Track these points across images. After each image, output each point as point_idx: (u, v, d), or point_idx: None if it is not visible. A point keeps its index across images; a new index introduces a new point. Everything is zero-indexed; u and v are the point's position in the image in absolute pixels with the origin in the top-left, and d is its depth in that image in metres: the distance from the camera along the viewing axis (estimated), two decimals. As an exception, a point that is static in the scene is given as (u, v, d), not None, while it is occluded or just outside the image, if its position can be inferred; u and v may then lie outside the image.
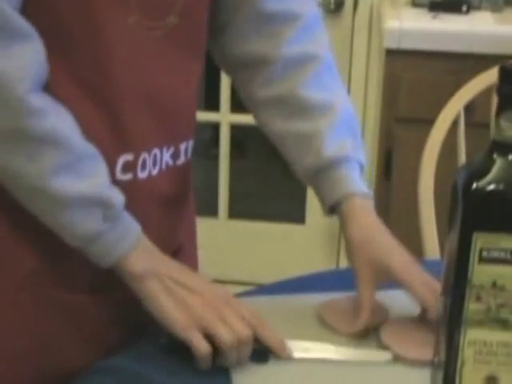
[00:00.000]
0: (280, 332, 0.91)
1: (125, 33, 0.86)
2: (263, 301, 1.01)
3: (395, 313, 0.97)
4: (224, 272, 2.48)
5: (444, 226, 1.49)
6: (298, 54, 1.02)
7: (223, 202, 2.79)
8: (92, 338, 0.95)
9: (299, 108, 1.02)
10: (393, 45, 2.10)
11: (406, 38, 2.09)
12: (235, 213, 2.83)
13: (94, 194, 0.84)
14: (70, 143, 0.84)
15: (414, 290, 0.93)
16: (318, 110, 1.01)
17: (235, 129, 2.65)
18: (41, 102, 0.82)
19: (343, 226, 0.99)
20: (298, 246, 2.73)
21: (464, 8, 2.27)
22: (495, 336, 0.77)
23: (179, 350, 0.88)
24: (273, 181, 2.83)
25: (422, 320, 0.95)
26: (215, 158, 2.75)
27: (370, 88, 2.53)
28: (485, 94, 1.59)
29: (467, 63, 1.97)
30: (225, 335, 0.85)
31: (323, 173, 1.01)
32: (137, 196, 0.91)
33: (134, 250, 0.87)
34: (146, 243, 0.90)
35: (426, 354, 0.85)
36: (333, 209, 1.01)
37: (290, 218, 2.78)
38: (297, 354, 0.90)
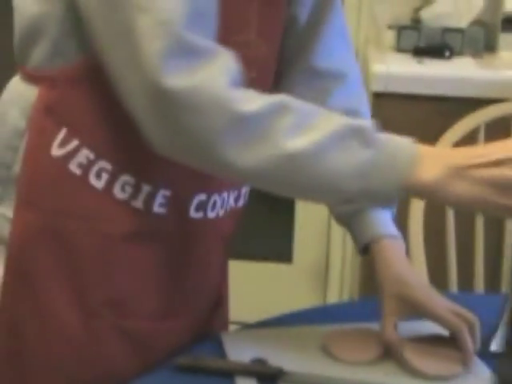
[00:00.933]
0: (285, 363, 0.94)
1: None
2: (266, 333, 1.05)
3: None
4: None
5: (431, 260, 1.56)
6: (342, 107, 1.07)
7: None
8: (148, 359, 0.98)
9: None
10: (380, 88, 2.17)
11: (393, 82, 2.17)
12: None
13: (338, 128, 0.84)
14: (294, 105, 0.86)
15: (440, 316, 0.98)
16: None
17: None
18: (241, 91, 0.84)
19: (374, 265, 1.04)
20: (284, 285, 2.76)
21: (447, 53, 2.36)
22: None
23: (194, 369, 0.92)
24: (259, 219, 2.87)
25: (449, 341, 0.98)
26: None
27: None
28: (468, 136, 1.66)
29: (451, 106, 2.04)
30: None
31: (355, 214, 1.06)
32: (204, 233, 0.98)
33: (417, 162, 0.83)
34: (424, 148, 0.86)
35: (447, 369, 0.90)
36: (366, 249, 1.06)
37: (276, 257, 2.82)
38: None
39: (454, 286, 1.61)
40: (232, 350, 0.99)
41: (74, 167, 0.92)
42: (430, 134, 1.68)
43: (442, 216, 1.64)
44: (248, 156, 0.84)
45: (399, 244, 1.06)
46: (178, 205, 0.96)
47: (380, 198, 0.86)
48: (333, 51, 1.10)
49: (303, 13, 1.08)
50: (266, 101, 0.85)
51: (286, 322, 1.09)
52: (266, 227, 2.92)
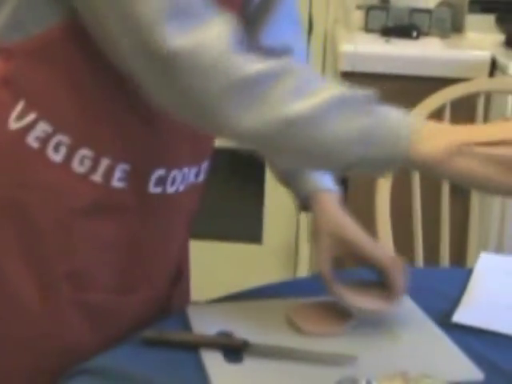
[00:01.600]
0: (251, 336, 0.96)
1: None
2: (231, 306, 1.06)
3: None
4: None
5: (398, 237, 1.57)
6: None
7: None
8: (108, 333, 0.99)
9: None
10: (348, 68, 2.18)
11: (360, 61, 2.18)
12: (192, 233, 2.86)
13: (340, 94, 0.84)
14: (296, 70, 0.85)
15: (371, 254, 1.03)
16: None
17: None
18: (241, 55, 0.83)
19: (312, 217, 1.08)
20: (255, 265, 2.78)
21: (414, 33, 2.38)
22: None
23: (159, 343, 0.94)
24: (229, 200, 2.88)
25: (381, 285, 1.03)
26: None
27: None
28: (434, 115, 1.68)
29: (418, 85, 2.06)
30: None
31: (295, 174, 1.09)
32: (164, 208, 0.98)
33: (418, 136, 0.83)
34: (429, 124, 0.86)
35: (375, 304, 0.99)
36: (304, 206, 1.10)
37: (246, 237, 2.84)
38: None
39: (420, 261, 1.63)
40: (197, 323, 0.99)
41: (31, 140, 0.91)
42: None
43: (408, 191, 1.65)
44: (248, 118, 0.83)
45: (335, 195, 1.09)
46: (137, 179, 0.95)
47: (378, 167, 0.85)
48: (279, 30, 1.11)
49: None
50: (267, 64, 0.84)
51: (252, 295, 1.10)
52: (237, 209, 2.94)
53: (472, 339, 1.01)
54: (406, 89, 2.11)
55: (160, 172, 0.97)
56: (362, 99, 0.84)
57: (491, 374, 0.92)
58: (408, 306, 1.08)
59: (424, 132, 0.84)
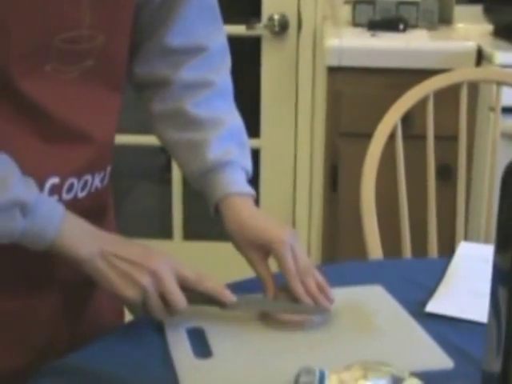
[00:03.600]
0: (222, 332, 0.97)
1: (40, 78, 0.92)
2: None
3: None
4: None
5: (386, 230, 1.57)
6: (194, 79, 1.13)
7: (177, 224, 2.83)
8: (23, 340, 1.00)
9: (189, 122, 1.12)
10: (334, 62, 2.18)
11: (346, 56, 2.17)
12: (190, 234, 2.88)
13: (7, 198, 0.89)
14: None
15: (282, 256, 1.02)
16: (206, 124, 1.12)
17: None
18: None
19: (223, 223, 1.08)
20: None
21: (401, 26, 2.37)
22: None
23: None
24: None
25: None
26: (169, 182, 2.81)
27: (317, 105, 2.61)
28: (420, 106, 1.67)
29: (405, 78, 2.05)
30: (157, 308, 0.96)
31: (207, 175, 1.10)
32: None
33: (70, 233, 0.93)
34: (87, 227, 0.95)
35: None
36: (217, 209, 1.10)
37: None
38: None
39: (408, 255, 1.63)
40: (169, 320, 0.99)
41: None
42: (383, 106, 1.70)
43: (393, 184, 1.65)
44: None
45: (249, 200, 1.09)
46: None
47: (31, 248, 0.92)
48: (190, 28, 1.11)
49: None
50: None
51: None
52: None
53: (445, 328, 1.01)
54: (392, 82, 2.12)
55: (54, 180, 0.96)
56: (23, 202, 0.89)
57: (461, 361, 0.92)
58: (381, 296, 1.08)
59: (70, 232, 0.93)
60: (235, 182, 1.09)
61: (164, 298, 0.96)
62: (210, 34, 1.13)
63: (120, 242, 0.98)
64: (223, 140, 1.11)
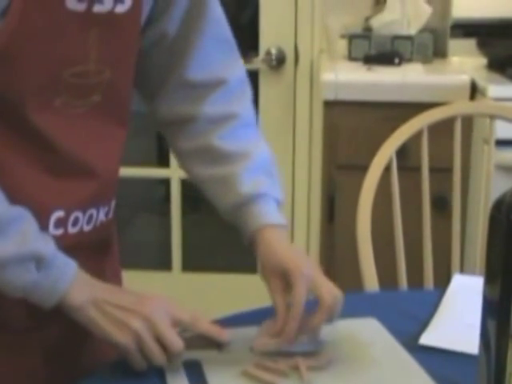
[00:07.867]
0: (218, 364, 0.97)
1: (51, 112, 0.94)
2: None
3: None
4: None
5: (382, 261, 1.58)
6: (218, 112, 1.14)
7: (176, 256, 2.84)
8: (28, 374, 1.01)
9: (216, 157, 1.14)
10: (330, 96, 2.20)
11: (342, 90, 2.20)
12: (189, 266, 2.89)
13: (25, 251, 0.90)
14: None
15: (297, 282, 1.01)
16: (234, 157, 1.13)
17: (186, 184, 2.72)
18: None
19: (256, 255, 1.09)
20: (251, 295, 2.78)
21: (396, 60, 2.40)
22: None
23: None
24: (224, 232, 2.89)
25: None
26: (167, 214, 2.82)
27: (315, 138, 2.64)
28: (415, 139, 1.69)
29: (400, 111, 2.08)
30: (154, 352, 0.95)
31: (240, 209, 1.11)
32: (65, 246, 0.98)
33: (72, 286, 0.94)
34: (83, 276, 0.96)
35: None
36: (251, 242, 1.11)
37: (242, 269, 2.85)
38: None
39: (404, 285, 1.64)
40: (169, 366, 0.99)
41: None
42: (378, 139, 1.72)
43: (389, 215, 1.66)
44: None
45: (280, 230, 1.10)
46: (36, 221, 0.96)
47: (37, 304, 0.94)
48: (208, 61, 1.12)
49: (172, 27, 1.10)
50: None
51: (228, 322, 1.10)
52: (231, 240, 2.94)
53: (438, 360, 1.02)
54: (387, 115, 2.14)
55: (59, 214, 0.98)
56: (40, 255, 0.91)
57: (454, 393, 0.93)
58: (375, 328, 1.09)
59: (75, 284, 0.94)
60: (267, 213, 1.10)
61: (161, 343, 0.95)
62: (228, 67, 1.15)
63: (113, 290, 0.99)
64: (252, 172, 1.12)
